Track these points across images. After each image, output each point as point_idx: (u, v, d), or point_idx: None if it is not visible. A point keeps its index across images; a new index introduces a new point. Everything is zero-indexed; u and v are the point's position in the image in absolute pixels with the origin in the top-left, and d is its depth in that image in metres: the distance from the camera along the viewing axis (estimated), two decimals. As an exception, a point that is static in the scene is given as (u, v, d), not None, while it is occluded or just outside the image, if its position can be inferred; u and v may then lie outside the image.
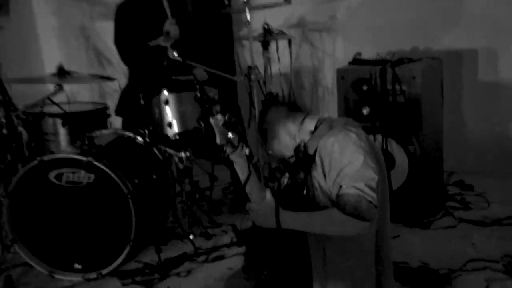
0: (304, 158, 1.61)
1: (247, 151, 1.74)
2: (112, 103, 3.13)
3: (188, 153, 2.93)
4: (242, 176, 1.77)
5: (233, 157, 1.74)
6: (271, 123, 1.74)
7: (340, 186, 1.50)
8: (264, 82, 3.28)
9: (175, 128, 2.81)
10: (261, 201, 1.66)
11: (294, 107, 1.79)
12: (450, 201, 3.08)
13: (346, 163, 1.51)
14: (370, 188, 1.47)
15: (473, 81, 3.40)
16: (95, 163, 2.46)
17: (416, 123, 2.75)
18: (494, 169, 3.38)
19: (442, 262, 2.42)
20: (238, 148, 1.70)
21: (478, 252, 2.49)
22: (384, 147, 2.83)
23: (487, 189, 3.14)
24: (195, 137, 2.89)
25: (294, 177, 1.66)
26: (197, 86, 2.83)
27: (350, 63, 3.06)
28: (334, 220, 1.48)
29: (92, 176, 2.48)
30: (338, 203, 1.49)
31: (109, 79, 2.83)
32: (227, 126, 1.68)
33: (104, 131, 2.76)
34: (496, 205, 2.98)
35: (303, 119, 1.73)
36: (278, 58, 3.36)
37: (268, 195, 1.65)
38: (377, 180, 1.50)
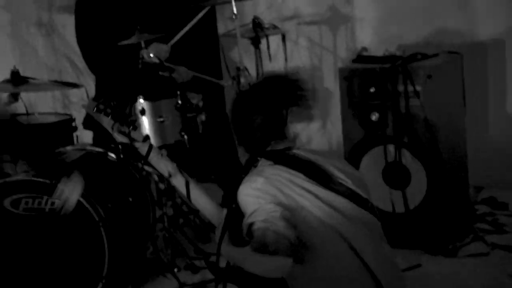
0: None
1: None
2: (78, 115, 3.12)
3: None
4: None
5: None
6: None
7: (248, 226, 1.59)
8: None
9: (153, 142, 2.80)
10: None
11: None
12: (480, 223, 3.02)
13: (250, 201, 1.62)
14: (275, 218, 1.54)
15: (501, 78, 3.40)
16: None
17: (434, 130, 2.75)
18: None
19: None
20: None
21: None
22: (398, 159, 2.83)
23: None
24: (177, 151, 2.89)
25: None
26: (178, 92, 2.83)
27: (354, 61, 3.04)
28: (250, 258, 1.53)
29: (56, 201, 2.45)
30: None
31: (75, 86, 2.82)
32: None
33: (70, 147, 2.75)
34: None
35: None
36: (270, 57, 3.37)
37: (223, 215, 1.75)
38: (281, 213, 1.56)
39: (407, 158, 2.81)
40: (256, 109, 1.75)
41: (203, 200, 1.93)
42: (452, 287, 2.49)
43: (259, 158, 1.76)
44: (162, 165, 2.00)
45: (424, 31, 3.45)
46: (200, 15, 3.06)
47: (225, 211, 1.75)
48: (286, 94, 1.76)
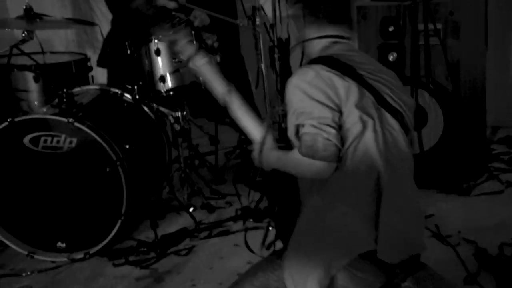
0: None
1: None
2: (93, 54, 3.09)
3: (185, 112, 2.92)
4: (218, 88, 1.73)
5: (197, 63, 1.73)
6: None
7: (297, 127, 1.57)
8: (272, 26, 3.20)
9: (169, 83, 2.77)
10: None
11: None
12: (495, 162, 3.03)
13: (298, 103, 1.56)
14: (327, 125, 1.52)
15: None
16: (77, 124, 2.42)
17: (454, 69, 2.68)
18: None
19: (487, 235, 2.38)
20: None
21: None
22: (414, 100, 2.78)
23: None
24: (193, 93, 2.86)
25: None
26: (193, 32, 2.77)
27: (372, -1, 2.98)
28: (291, 161, 1.57)
29: (74, 140, 2.45)
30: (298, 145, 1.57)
31: (89, 23, 2.77)
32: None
33: (86, 87, 2.73)
34: None
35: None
36: (286, -3, 3.27)
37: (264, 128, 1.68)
38: (332, 117, 1.53)
39: (425, 99, 2.77)
40: None
41: (241, 112, 1.73)
42: (465, 224, 2.49)
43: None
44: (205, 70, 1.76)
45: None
46: None
47: (266, 124, 1.69)
48: None
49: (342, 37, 1.67)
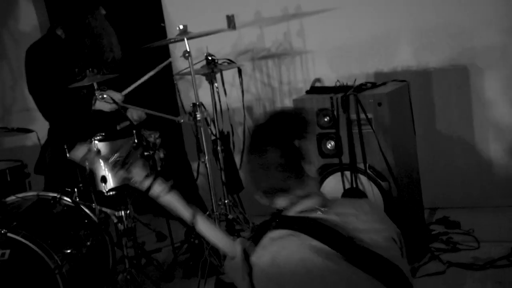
0: None
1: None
2: (29, 160, 2.99)
3: (128, 211, 2.83)
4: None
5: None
6: None
7: None
8: (213, 121, 3.22)
9: (111, 183, 2.70)
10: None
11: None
12: (435, 242, 3.04)
13: None
14: None
15: (446, 104, 3.45)
16: (10, 235, 2.33)
17: (388, 155, 2.74)
18: (481, 202, 3.39)
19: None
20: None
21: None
22: (354, 185, 2.81)
23: (476, 225, 3.13)
24: (135, 190, 2.78)
25: None
26: (134, 131, 2.75)
27: (307, 92, 3.05)
28: None
29: (7, 252, 2.34)
30: None
31: (26, 131, 2.71)
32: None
33: (22, 194, 2.62)
34: (487, 244, 2.95)
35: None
36: (225, 91, 3.33)
37: (238, 248, 1.58)
38: None
39: (364, 183, 2.80)
40: (272, 143, 1.52)
41: (211, 232, 1.71)
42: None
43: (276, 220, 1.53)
44: (168, 200, 1.74)
45: (373, 61, 3.48)
46: (160, 66, 3.00)
47: (238, 243, 1.60)
48: (297, 126, 1.57)
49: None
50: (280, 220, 1.52)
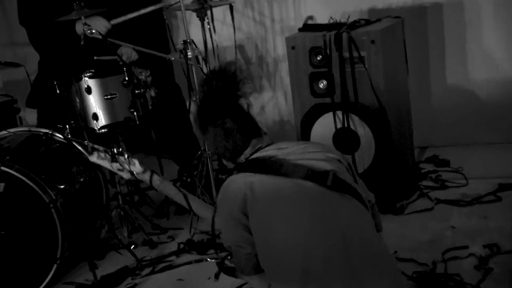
0: None
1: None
2: (20, 96, 2.96)
3: (120, 149, 2.83)
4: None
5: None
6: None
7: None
8: (204, 59, 3.17)
9: (102, 120, 2.69)
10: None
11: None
12: (424, 180, 3.10)
13: (222, 222, 1.80)
14: (243, 241, 1.71)
15: (440, 41, 3.42)
16: (4, 169, 2.33)
17: (380, 94, 2.73)
18: (471, 140, 3.43)
19: (422, 252, 2.41)
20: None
21: (458, 236, 2.51)
22: (346, 124, 2.81)
23: (465, 163, 3.19)
24: (128, 128, 2.78)
25: None
26: (124, 68, 2.71)
27: (300, 30, 3.00)
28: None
29: (1, 185, 2.35)
30: None
31: (14, 65, 2.66)
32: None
33: (14, 129, 2.60)
34: (475, 181, 3.01)
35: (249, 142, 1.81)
36: (214, 29, 3.27)
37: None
38: (244, 234, 1.70)
39: (356, 123, 2.81)
40: (220, 115, 1.77)
41: (204, 210, 2.08)
42: (401, 241, 2.52)
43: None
44: (164, 188, 2.11)
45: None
46: (149, 9, 2.91)
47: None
48: (232, 90, 1.80)
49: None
50: (236, 167, 1.82)
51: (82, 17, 2.63)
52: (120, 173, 2.13)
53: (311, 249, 1.57)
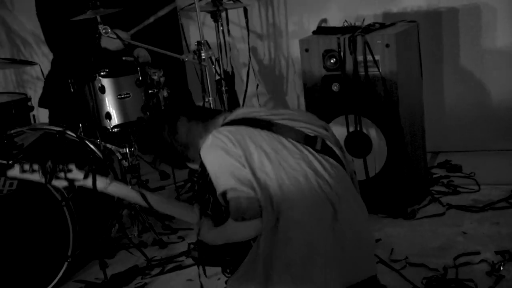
0: (202, 178, 1.76)
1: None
2: (34, 94, 2.98)
3: (133, 148, 2.84)
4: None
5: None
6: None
7: (223, 194, 1.65)
8: (217, 60, 3.18)
9: (115, 120, 2.70)
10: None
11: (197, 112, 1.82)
12: (436, 185, 3.08)
13: (216, 168, 1.65)
14: (243, 184, 1.60)
15: (455, 46, 3.40)
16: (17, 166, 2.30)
17: (393, 98, 2.71)
18: (483, 146, 3.41)
19: (433, 258, 2.40)
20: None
21: (470, 242, 2.50)
22: (358, 128, 2.80)
23: (477, 168, 3.16)
24: (140, 129, 2.79)
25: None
26: (138, 68, 2.72)
27: (314, 32, 2.99)
28: (229, 230, 1.68)
29: (15, 182, 2.34)
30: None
31: (29, 63, 2.68)
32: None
33: (27, 127, 2.61)
34: (487, 187, 2.99)
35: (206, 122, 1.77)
36: (229, 31, 3.27)
37: (196, 211, 1.81)
38: (245, 175, 1.60)
39: (368, 127, 2.79)
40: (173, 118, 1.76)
41: (166, 206, 1.92)
42: (412, 246, 2.52)
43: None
44: (114, 190, 1.89)
45: (382, 1, 3.40)
46: (166, 10, 2.92)
47: (196, 207, 1.80)
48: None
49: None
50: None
51: (98, 18, 2.64)
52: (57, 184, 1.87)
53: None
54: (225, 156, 1.61)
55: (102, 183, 1.83)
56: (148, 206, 1.85)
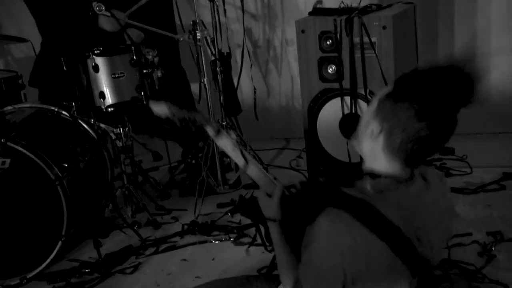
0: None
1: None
2: (25, 72, 2.91)
3: (127, 128, 2.81)
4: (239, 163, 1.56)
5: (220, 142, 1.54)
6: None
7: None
8: (213, 40, 3.14)
9: (109, 99, 2.67)
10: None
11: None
12: (429, 168, 3.11)
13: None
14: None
15: (449, 30, 3.39)
16: (10, 144, 2.29)
17: (389, 80, 2.71)
18: (475, 129, 3.41)
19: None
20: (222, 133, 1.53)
21: (462, 223, 2.51)
22: (353, 110, 2.79)
23: (470, 151, 3.18)
24: (134, 109, 2.76)
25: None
26: (132, 48, 2.68)
27: (310, 13, 2.97)
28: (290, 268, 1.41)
29: (7, 161, 2.31)
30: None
31: (20, 40, 2.62)
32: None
33: (19, 105, 2.57)
34: (479, 169, 3.01)
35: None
36: (225, 11, 3.22)
37: (277, 193, 1.48)
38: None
39: (363, 109, 2.78)
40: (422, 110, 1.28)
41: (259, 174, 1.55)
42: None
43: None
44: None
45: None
46: None
47: (279, 188, 1.48)
48: (461, 93, 1.30)
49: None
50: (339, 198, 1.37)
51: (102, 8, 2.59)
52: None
53: None
54: (331, 261, 1.29)
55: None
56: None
